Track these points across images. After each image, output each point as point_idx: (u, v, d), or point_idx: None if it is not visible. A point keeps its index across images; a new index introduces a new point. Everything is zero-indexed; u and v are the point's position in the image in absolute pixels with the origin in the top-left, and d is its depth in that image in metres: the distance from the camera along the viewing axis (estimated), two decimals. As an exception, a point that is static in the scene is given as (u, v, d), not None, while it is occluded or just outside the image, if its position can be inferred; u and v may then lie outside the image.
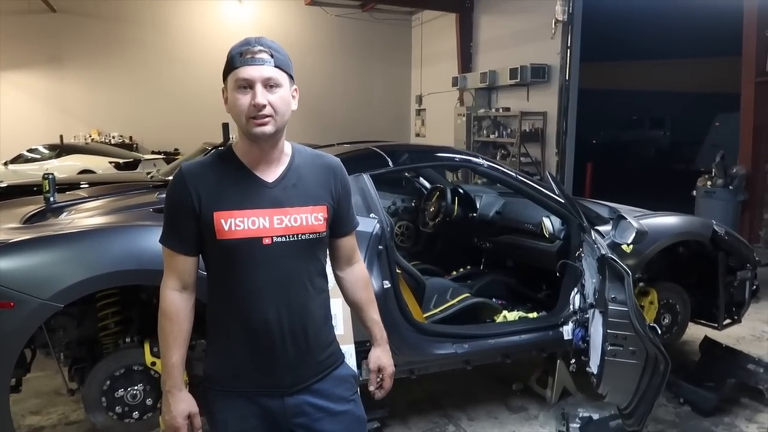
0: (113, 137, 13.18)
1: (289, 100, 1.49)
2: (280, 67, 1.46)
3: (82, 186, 6.18)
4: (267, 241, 1.47)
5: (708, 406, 3.40)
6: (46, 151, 10.67)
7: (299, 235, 1.50)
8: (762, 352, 4.26)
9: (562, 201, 3.29)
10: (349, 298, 1.77)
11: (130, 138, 13.43)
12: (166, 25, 13.51)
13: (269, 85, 1.43)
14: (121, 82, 13.32)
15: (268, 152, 1.50)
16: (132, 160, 10.34)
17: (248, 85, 1.42)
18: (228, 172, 1.50)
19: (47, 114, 12.75)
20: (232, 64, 1.44)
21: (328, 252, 1.68)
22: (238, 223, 1.45)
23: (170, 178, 5.86)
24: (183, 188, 1.47)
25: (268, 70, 1.43)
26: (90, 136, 12.98)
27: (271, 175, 1.52)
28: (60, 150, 10.58)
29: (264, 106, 1.41)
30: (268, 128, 1.44)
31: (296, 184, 1.53)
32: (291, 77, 1.50)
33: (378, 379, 1.77)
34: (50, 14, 12.46)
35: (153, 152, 12.45)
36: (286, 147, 1.57)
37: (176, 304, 1.52)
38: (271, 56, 1.44)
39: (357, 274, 1.76)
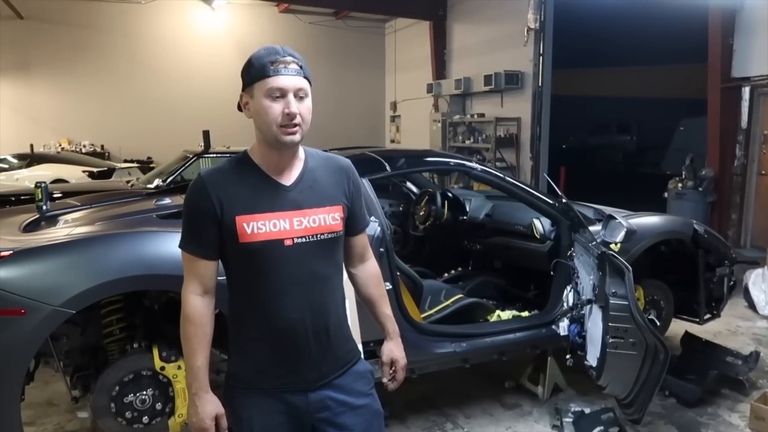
0: (84, 146, 12.93)
1: (311, 110, 1.55)
2: (308, 78, 1.53)
3: (55, 195, 6.08)
4: (288, 242, 1.52)
5: (692, 398, 3.55)
6: (15, 161, 10.41)
7: (318, 236, 1.56)
8: (738, 345, 4.46)
9: (552, 202, 3.41)
10: (362, 294, 1.83)
11: (102, 147, 13.19)
12: (138, 32, 13.33)
13: (299, 95, 1.50)
14: (92, 90, 13.09)
15: (287, 157, 1.57)
16: (106, 168, 10.16)
17: (281, 94, 1.47)
18: (246, 177, 1.55)
19: (15, 123, 12.44)
20: (263, 72, 1.48)
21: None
22: (260, 226, 1.50)
23: (151, 186, 5.80)
24: (204, 194, 1.51)
25: (300, 81, 1.50)
26: (60, 145, 12.70)
27: (287, 178, 1.57)
28: (30, 159, 10.34)
29: (296, 115, 1.48)
30: (297, 137, 1.50)
31: (312, 186, 1.58)
32: (311, 86, 1.56)
33: (391, 371, 1.83)
34: (17, 21, 12.17)
35: (125, 161, 12.25)
36: (300, 150, 1.62)
37: (199, 308, 1.55)
38: (301, 67, 1.50)
39: (369, 271, 1.82)
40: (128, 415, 2.59)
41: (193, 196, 1.55)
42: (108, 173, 9.93)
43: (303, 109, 1.50)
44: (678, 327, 4.33)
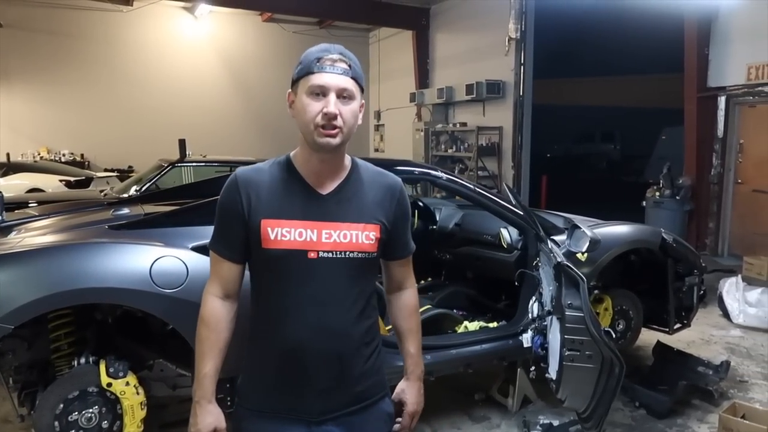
0: (63, 155, 12.77)
1: (357, 114, 1.43)
2: (356, 79, 1.41)
3: (30, 205, 5.99)
4: (312, 255, 1.40)
5: (662, 409, 3.51)
6: (-9, 170, 10.26)
7: (347, 253, 1.43)
8: (711, 354, 4.44)
9: (519, 212, 3.37)
10: (392, 323, 1.69)
11: (82, 156, 13.04)
12: (120, 41, 13.24)
13: (343, 96, 1.38)
14: (72, 99, 12.97)
15: (328, 163, 1.45)
16: (84, 178, 10.03)
17: (322, 92, 1.37)
18: (282, 180, 1.45)
19: (-7, 131, 12.29)
20: (308, 68, 1.38)
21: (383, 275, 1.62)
22: (285, 233, 1.40)
23: (125, 196, 5.70)
24: (234, 192, 1.44)
25: (345, 81, 1.38)
26: (39, 154, 12.55)
27: (326, 187, 1.46)
28: (6, 168, 10.18)
29: (335, 116, 1.36)
30: (336, 140, 1.38)
31: (351, 198, 1.46)
32: (362, 91, 1.45)
33: (398, 419, 1.62)
34: (-4, 29, 12.07)
35: (106, 170, 12.12)
36: (346, 159, 1.51)
37: (216, 311, 1.47)
38: (349, 67, 1.40)
39: (404, 301, 1.67)
40: (73, 434, 2.50)
41: (224, 194, 1.47)
42: (86, 182, 9.81)
43: (346, 111, 1.38)
44: (651, 336, 4.30)
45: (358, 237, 1.44)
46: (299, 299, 1.42)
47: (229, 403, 2.38)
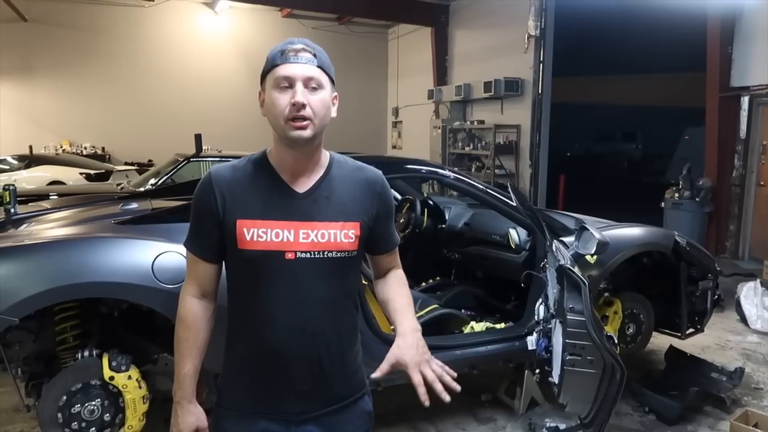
0: (85, 148, 12.99)
1: (329, 105, 1.41)
2: (323, 68, 1.38)
3: (51, 197, 6.09)
4: (290, 255, 1.37)
5: (672, 415, 3.44)
6: (15, 162, 10.45)
7: (325, 253, 1.40)
8: (726, 360, 4.35)
9: (529, 212, 3.33)
10: (380, 298, 1.63)
11: (103, 149, 13.24)
12: (141, 36, 13.40)
13: (311, 86, 1.35)
14: (94, 93, 13.15)
15: (303, 160, 1.41)
16: (104, 171, 10.19)
17: (288, 83, 1.34)
18: (258, 179, 1.42)
19: (17, 124, 12.51)
20: (272, 62, 1.37)
21: (364, 273, 1.59)
22: (261, 234, 1.37)
23: (141, 189, 5.75)
24: (209, 191, 1.41)
25: (311, 69, 1.35)
26: (61, 147, 12.77)
27: (303, 185, 1.42)
28: (29, 161, 10.37)
29: (303, 106, 1.33)
30: (307, 132, 1.35)
31: (329, 196, 1.42)
32: (332, 81, 1.42)
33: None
34: (21, 23, 12.26)
35: (126, 163, 12.29)
36: (324, 156, 1.48)
37: (194, 311, 1.46)
38: (314, 56, 1.37)
39: (391, 278, 1.63)
40: (75, 426, 2.51)
41: (198, 193, 1.44)
42: (106, 175, 9.96)
43: (314, 100, 1.35)
44: (665, 341, 4.22)
45: (336, 236, 1.41)
46: (277, 300, 1.40)
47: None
